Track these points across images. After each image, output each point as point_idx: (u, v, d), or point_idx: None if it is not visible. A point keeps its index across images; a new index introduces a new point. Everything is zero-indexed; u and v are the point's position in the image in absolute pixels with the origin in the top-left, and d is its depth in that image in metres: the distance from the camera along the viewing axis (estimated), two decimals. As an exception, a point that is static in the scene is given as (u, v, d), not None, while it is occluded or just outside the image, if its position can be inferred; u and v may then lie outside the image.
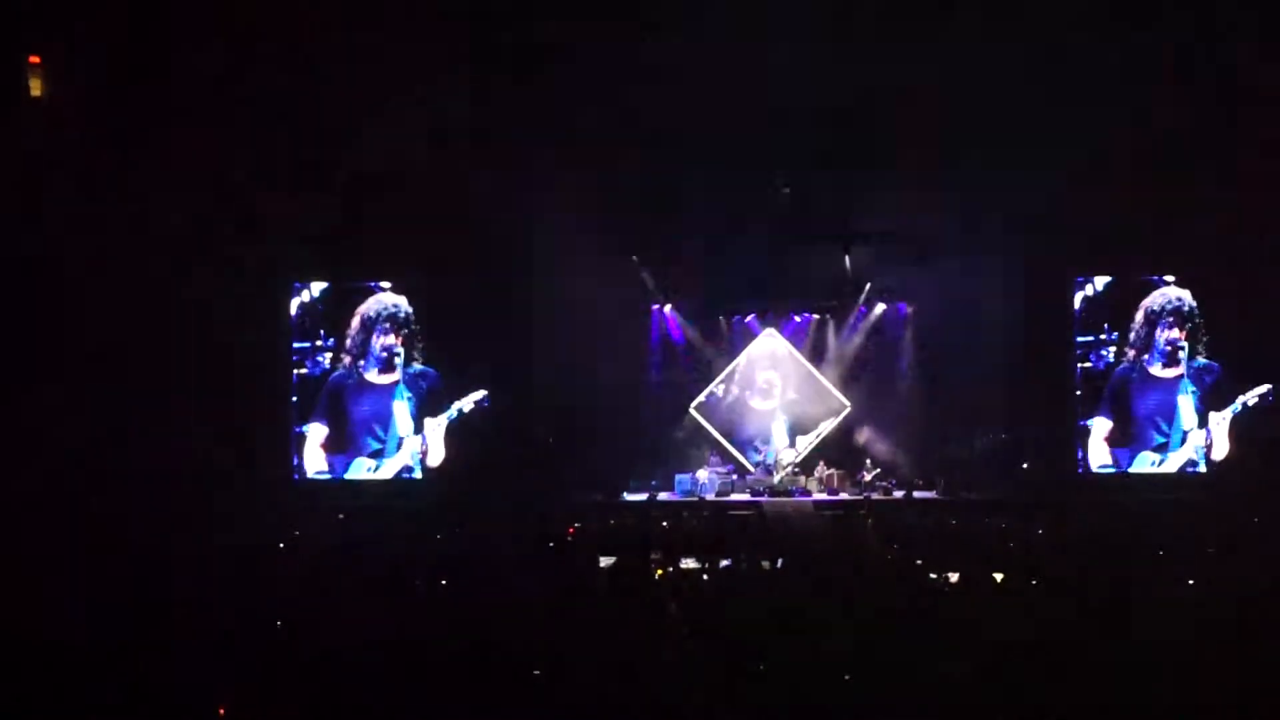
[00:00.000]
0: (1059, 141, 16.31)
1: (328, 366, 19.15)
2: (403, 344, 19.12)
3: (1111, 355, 19.10)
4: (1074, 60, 15.77)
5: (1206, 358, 18.96)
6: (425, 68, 15.82)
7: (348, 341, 19.14)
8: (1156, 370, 19.06)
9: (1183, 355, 18.97)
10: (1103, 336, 19.10)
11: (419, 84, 15.97)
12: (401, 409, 19.13)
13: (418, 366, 19.13)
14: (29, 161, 15.16)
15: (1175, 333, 18.97)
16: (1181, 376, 19.01)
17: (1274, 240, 17.38)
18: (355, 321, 19.16)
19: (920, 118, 16.31)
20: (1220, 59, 15.75)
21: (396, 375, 19.13)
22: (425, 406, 19.10)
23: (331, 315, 19.20)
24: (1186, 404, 19.06)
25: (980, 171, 17.14)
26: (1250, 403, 18.79)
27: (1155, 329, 19.01)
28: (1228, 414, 18.92)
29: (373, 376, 19.14)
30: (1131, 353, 19.07)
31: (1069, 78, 15.93)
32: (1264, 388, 18.69)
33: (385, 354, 19.12)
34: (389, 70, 15.90)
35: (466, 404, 19.00)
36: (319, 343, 19.16)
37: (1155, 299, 19.05)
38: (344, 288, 19.32)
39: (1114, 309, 19.13)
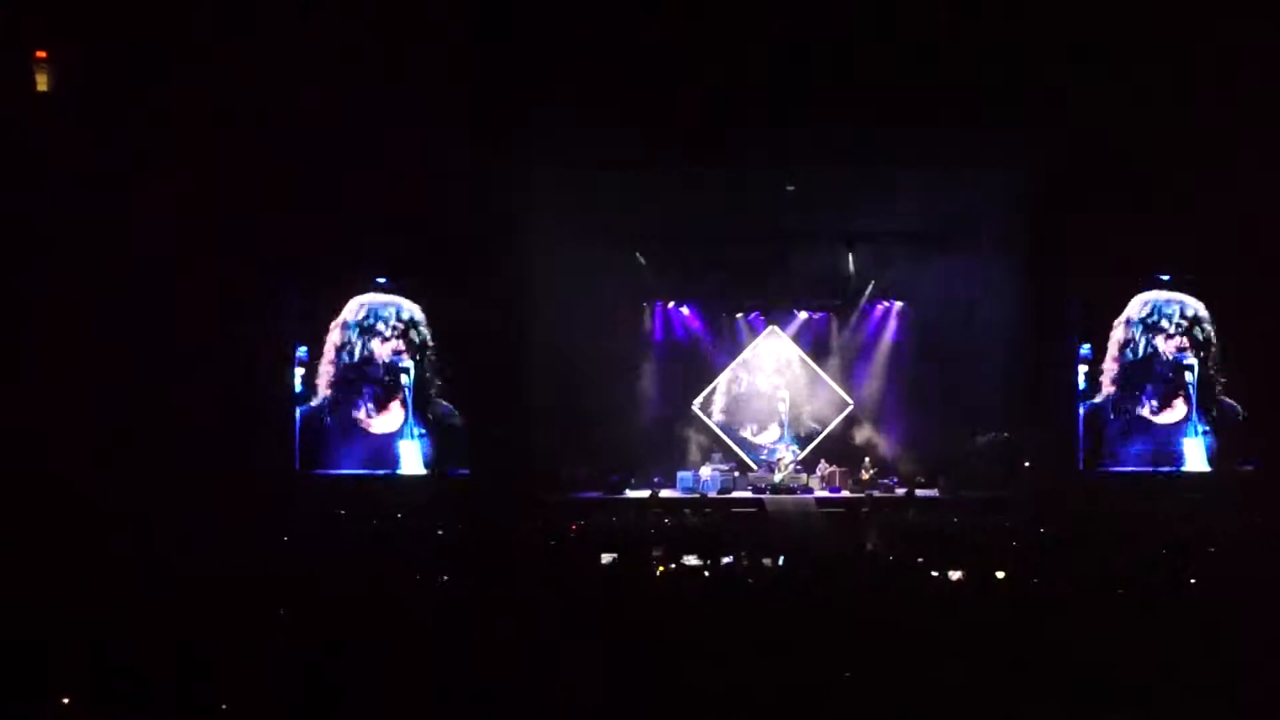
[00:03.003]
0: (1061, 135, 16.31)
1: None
2: (408, 355, 17.25)
3: (1083, 378, 17.59)
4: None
5: (1221, 394, 17.20)
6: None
7: (326, 365, 17.32)
8: (1147, 414, 17.72)
9: (1191, 388, 16.90)
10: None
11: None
12: (410, 450, 17.57)
13: (437, 403, 17.40)
14: (33, 157, 15.17)
15: (1179, 340, 17.16)
16: (1186, 420, 17.25)
17: None
18: (336, 334, 17.51)
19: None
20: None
21: (399, 414, 17.28)
22: (443, 449, 17.30)
23: (323, 321, 17.78)
24: (1194, 448, 17.24)
25: (982, 170, 17.13)
26: None
27: (1151, 337, 17.45)
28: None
29: (363, 416, 17.44)
30: (1113, 388, 17.60)
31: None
32: None
33: (388, 378, 16.81)
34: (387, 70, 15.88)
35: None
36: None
37: (1148, 304, 17.64)
38: (337, 290, 18.15)
39: (1097, 321, 17.84)
